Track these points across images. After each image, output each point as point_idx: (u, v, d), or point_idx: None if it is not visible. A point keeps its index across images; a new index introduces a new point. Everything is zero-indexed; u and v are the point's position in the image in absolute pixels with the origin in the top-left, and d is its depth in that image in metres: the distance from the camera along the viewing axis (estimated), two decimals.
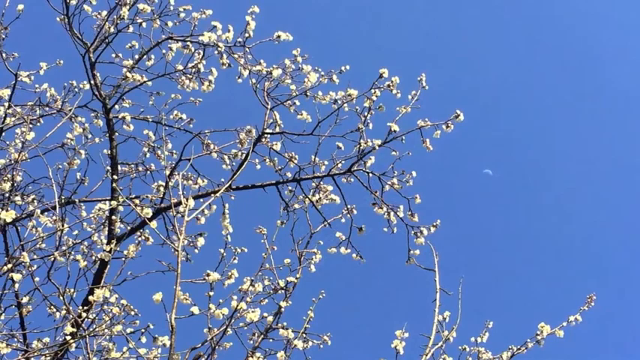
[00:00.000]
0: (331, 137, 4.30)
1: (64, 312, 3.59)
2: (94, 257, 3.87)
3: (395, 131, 4.14)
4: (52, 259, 3.31)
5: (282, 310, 3.50)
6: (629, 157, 12.67)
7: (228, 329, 3.04)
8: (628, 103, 12.86)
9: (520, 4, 13.33)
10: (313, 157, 4.33)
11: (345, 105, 4.27)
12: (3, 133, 3.99)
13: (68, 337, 3.12)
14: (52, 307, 3.80)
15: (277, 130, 4.36)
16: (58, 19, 4.13)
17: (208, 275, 3.12)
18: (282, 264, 3.69)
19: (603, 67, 12.95)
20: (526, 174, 13.04)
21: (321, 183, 4.42)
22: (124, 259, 3.38)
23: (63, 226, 3.41)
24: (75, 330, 3.15)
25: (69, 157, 4.39)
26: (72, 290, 3.39)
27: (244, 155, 4.39)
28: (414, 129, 4.19)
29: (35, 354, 3.39)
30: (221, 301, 3.09)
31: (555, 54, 13.16)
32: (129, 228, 4.18)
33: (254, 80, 4.29)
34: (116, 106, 4.40)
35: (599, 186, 12.76)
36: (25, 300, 3.55)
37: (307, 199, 4.40)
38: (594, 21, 13.56)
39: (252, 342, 3.57)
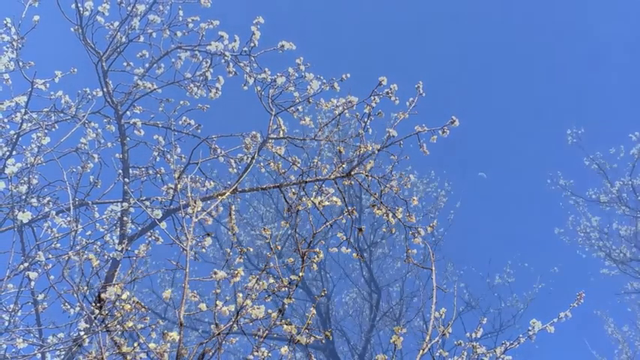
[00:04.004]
0: (333, 142, 4.39)
1: (77, 309, 3.69)
2: (106, 256, 3.96)
3: (393, 136, 4.21)
4: (67, 258, 3.38)
5: (286, 306, 3.61)
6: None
7: (234, 325, 3.13)
8: (625, 103, 12.91)
9: (519, 7, 13.38)
10: (316, 160, 4.40)
11: (346, 111, 4.37)
12: (20, 138, 4.07)
13: (82, 333, 3.23)
14: (67, 304, 3.89)
15: (281, 135, 4.44)
16: (72, 29, 4.25)
17: (215, 273, 3.22)
18: (286, 263, 3.81)
19: (597, 68, 12.99)
20: (520, 175, 13.10)
21: (323, 185, 4.47)
22: (135, 258, 3.50)
23: (77, 226, 3.51)
24: (88, 326, 3.23)
25: (82, 161, 4.51)
26: (85, 288, 3.43)
27: (250, 159, 4.50)
28: (412, 134, 4.24)
29: (50, 349, 3.50)
30: (227, 298, 3.21)
31: (551, 57, 13.19)
32: (140, 228, 4.31)
33: (259, 87, 4.42)
34: (128, 112, 4.54)
35: (589, 186, 12.83)
36: (40, 297, 3.67)
37: (310, 201, 4.47)
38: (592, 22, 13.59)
39: (257, 337, 3.68)
